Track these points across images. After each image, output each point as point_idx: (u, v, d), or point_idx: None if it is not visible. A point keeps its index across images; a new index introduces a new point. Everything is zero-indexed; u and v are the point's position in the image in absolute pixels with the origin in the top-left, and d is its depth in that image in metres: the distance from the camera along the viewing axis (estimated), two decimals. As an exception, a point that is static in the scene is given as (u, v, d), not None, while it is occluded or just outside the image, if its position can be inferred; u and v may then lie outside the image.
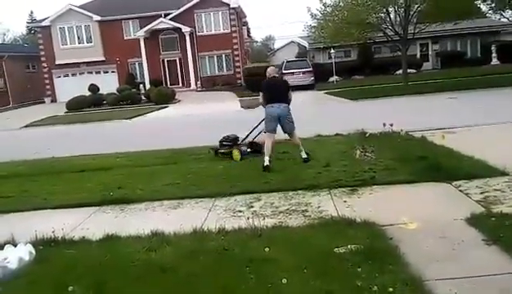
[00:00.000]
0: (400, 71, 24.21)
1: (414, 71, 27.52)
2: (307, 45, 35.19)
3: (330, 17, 21.23)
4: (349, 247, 3.71)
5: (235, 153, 7.91)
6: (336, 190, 5.61)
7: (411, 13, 20.12)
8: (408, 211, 4.60)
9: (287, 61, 28.61)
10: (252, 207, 5.31)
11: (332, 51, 27.76)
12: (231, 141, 8.16)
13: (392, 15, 20.73)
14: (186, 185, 6.44)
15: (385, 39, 22.23)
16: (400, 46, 21.54)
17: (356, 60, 31.93)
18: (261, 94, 7.37)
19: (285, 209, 5.12)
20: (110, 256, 3.97)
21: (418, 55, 32.85)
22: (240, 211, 5.17)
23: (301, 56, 36.30)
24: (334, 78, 27.93)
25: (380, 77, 27.10)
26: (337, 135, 9.48)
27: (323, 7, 21.36)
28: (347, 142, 8.52)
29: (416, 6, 19.97)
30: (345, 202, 5.20)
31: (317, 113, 15.74)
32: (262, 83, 7.47)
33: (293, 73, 26.31)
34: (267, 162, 6.85)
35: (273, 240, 4.02)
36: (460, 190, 5.25)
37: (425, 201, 5.11)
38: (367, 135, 8.72)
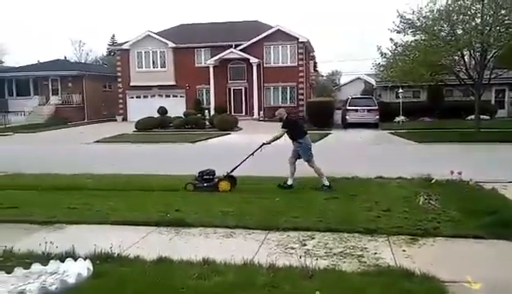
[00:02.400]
0: (472, 116, 23.07)
1: (487, 118, 26.11)
2: (373, 82, 34.79)
3: (401, 57, 20.88)
4: (405, 301, 3.50)
5: (225, 185, 8.20)
6: (395, 237, 5.36)
7: (488, 57, 19.29)
8: (473, 269, 4.28)
9: (352, 98, 28.35)
10: (305, 245, 5.20)
11: (400, 90, 27.16)
12: (212, 175, 8.39)
13: (466, 58, 19.98)
14: (240, 214, 6.44)
15: (458, 82, 21.41)
16: (473, 90, 20.62)
17: (425, 102, 30.92)
18: (283, 130, 8.59)
19: (339, 251, 4.96)
20: (161, 279, 4.03)
21: (493, 102, 31.22)
22: (293, 248, 5.07)
23: (367, 94, 35.87)
24: (400, 118, 27.19)
25: (450, 120, 25.96)
26: (399, 178, 9.12)
27: (394, 47, 21.08)
28: (410, 187, 8.17)
29: (494, 51, 19.14)
30: (404, 251, 4.94)
31: (380, 154, 15.32)
32: (290, 121, 8.91)
33: (357, 110, 26.01)
34: (327, 183, 8.20)
35: (325, 283, 3.89)
36: (534, 253, 4.82)
37: (492, 260, 4.73)
38: (433, 181, 8.31)
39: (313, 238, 5.40)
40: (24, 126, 29.50)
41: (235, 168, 8.43)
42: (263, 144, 8.61)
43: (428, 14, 19.37)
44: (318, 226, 5.77)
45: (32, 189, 8.50)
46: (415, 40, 20.32)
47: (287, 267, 4.35)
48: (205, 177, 8.39)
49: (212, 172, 8.44)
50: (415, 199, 7.07)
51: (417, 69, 19.67)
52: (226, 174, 8.41)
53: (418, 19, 19.55)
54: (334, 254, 4.87)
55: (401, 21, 19.90)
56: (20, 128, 28.08)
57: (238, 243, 5.34)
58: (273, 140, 8.60)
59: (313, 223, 5.91)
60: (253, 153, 8.51)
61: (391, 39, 20.84)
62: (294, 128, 8.68)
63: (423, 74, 20.05)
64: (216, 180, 8.34)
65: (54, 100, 35.27)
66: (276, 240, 5.38)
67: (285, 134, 8.60)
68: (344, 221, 5.96)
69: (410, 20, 19.70)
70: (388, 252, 4.89)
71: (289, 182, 8.42)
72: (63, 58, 43.82)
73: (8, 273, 2.75)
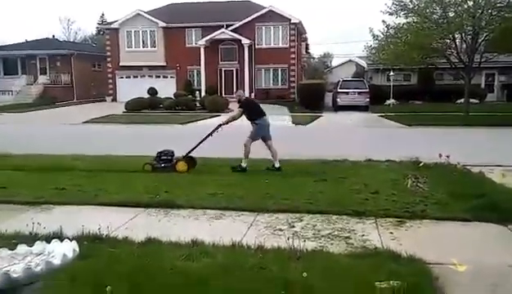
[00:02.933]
0: (462, 100, 23.22)
1: (477, 101, 26.28)
2: (365, 65, 34.67)
3: (393, 39, 20.82)
4: (392, 283, 3.53)
5: (182, 166, 8.30)
6: (383, 220, 5.40)
7: (479, 41, 19.31)
8: (458, 252, 4.33)
9: (343, 80, 28.30)
10: (293, 226, 5.22)
11: (391, 73, 27.15)
12: (170, 156, 8.49)
13: (457, 42, 19.99)
14: (230, 196, 6.44)
15: (448, 66, 21.45)
16: (464, 74, 20.69)
17: (415, 85, 30.98)
18: (240, 110, 8.69)
19: (327, 233, 4.99)
20: (149, 260, 4.03)
21: (482, 85, 31.40)
22: (281, 230, 5.09)
23: (358, 76, 35.81)
24: (390, 101, 27.25)
25: (440, 104, 26.10)
26: (388, 161, 9.17)
27: (386, 29, 21.01)
28: (398, 170, 8.23)
29: (485, 34, 19.15)
30: (391, 233, 4.98)
31: (370, 137, 15.40)
32: (247, 102, 9.15)
33: (348, 92, 26.01)
34: (244, 165, 8.35)
35: (312, 265, 3.91)
36: (518, 235, 4.90)
37: (478, 242, 4.80)
38: (421, 164, 8.38)
39: (302, 220, 5.42)
40: (11, 105, 29.08)
41: (192, 149, 8.55)
42: (220, 125, 8.64)
43: (421, -4, 19.28)
44: (307, 208, 5.80)
45: (19, 170, 8.41)
46: (408, 22, 20.27)
47: (275, 249, 4.36)
48: (163, 158, 8.45)
49: (170, 153, 8.53)
50: (403, 182, 7.13)
51: (408, 52, 19.66)
52: (184, 155, 8.50)
53: (410, 1, 19.46)
54: (322, 236, 4.90)
55: (393, 3, 19.81)
56: (8, 108, 27.69)
57: (227, 225, 5.35)
58: (230, 121, 8.68)
59: (302, 205, 5.94)
60: (211, 134, 8.60)
61: (383, 21, 20.80)
62: (251, 109, 8.78)
63: (414, 57, 20.07)
64: (174, 160, 8.40)
65: (42, 79, 34.73)
66: (264, 222, 5.40)
67: (244, 115, 8.69)
68: (333, 203, 5.99)
69: (402, 1, 19.60)
70: (375, 234, 4.93)
71: (277, 165, 8.46)
72: (51, 37, 42.95)
73: (-7, 254, 2.72)
